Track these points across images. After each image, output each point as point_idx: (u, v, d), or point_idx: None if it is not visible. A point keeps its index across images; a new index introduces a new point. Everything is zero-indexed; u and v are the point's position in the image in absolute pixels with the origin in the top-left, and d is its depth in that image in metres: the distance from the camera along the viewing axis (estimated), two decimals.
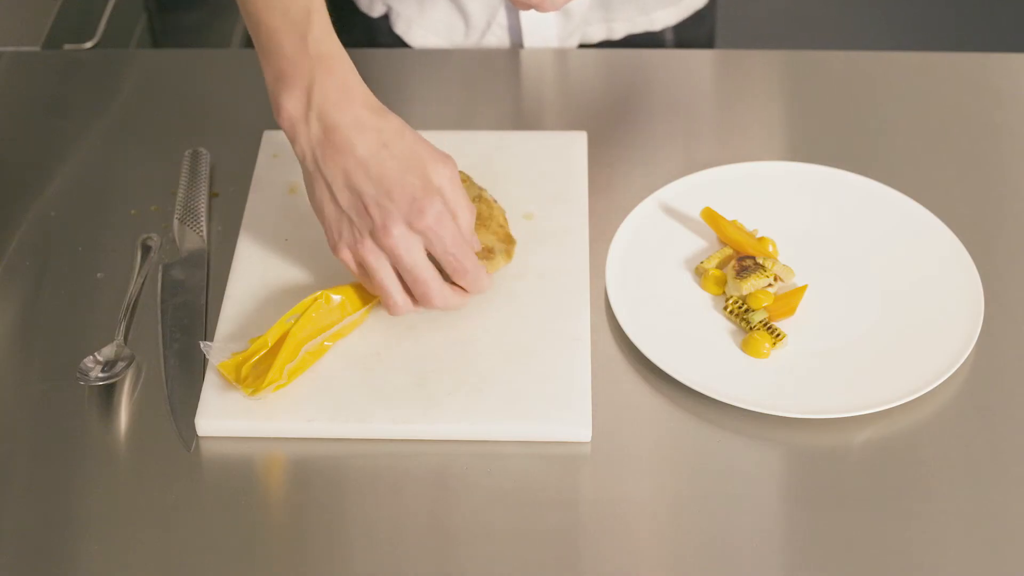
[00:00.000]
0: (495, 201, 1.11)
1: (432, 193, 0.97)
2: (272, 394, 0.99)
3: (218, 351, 1.00)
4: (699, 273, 1.10)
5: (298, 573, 0.91)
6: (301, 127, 0.98)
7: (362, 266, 0.99)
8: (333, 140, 0.97)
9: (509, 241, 1.08)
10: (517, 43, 1.36)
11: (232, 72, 1.35)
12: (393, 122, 0.98)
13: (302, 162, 0.99)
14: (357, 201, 0.97)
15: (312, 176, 0.99)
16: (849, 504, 0.95)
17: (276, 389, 0.99)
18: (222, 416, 0.98)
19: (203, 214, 1.14)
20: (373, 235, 0.97)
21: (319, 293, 1.02)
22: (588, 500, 0.96)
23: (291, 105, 0.98)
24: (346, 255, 0.99)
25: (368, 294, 1.03)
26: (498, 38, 1.36)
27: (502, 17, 1.34)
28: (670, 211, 1.15)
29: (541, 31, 1.35)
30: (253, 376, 0.99)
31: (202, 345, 1.00)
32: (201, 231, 1.12)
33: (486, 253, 1.06)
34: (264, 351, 1.00)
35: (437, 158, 0.98)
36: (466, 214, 0.99)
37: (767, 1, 2.91)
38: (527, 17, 1.34)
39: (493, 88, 1.31)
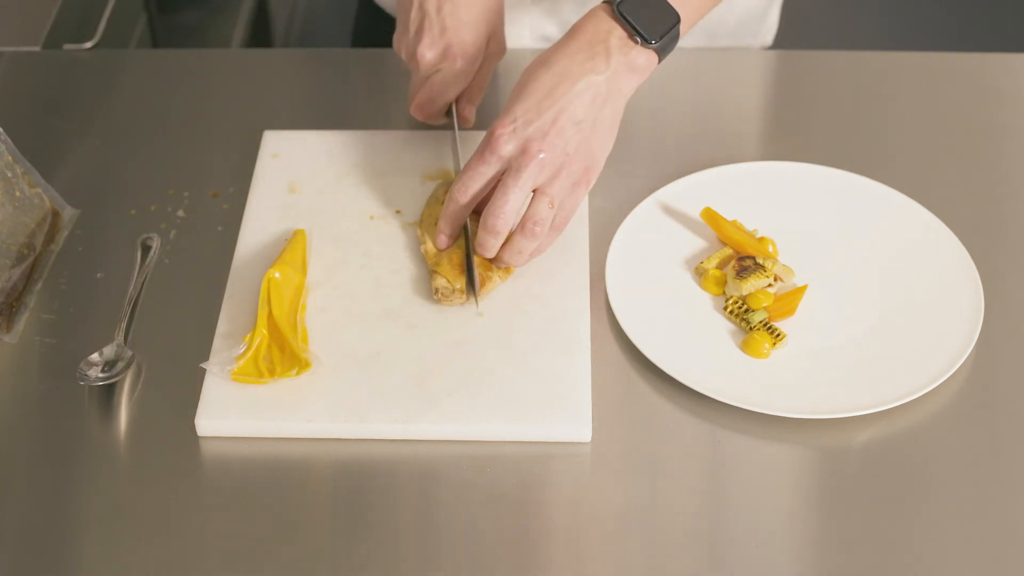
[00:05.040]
0: None
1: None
2: (278, 390, 0.99)
3: (222, 364, 1.00)
4: (699, 273, 1.09)
5: (298, 573, 0.91)
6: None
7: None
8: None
9: None
10: None
11: (232, 72, 1.35)
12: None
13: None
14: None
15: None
16: (849, 504, 0.95)
17: (299, 373, 1.00)
18: (222, 416, 0.98)
19: None
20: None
21: (265, 276, 1.03)
22: (588, 500, 0.95)
23: None
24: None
25: (296, 254, 1.07)
26: None
27: None
28: (670, 211, 1.15)
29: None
30: (280, 364, 1.00)
31: (206, 366, 1.00)
32: None
33: (483, 269, 1.06)
34: (265, 340, 1.01)
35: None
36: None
37: None
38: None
39: (493, 88, 1.31)
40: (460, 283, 1.05)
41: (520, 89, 1.03)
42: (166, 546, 0.92)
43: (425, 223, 1.11)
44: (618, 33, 1.02)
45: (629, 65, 1.03)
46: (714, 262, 1.09)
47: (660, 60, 1.04)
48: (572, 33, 1.04)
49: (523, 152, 1.01)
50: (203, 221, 1.15)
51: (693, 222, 1.14)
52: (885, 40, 2.90)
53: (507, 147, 1.02)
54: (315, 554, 0.92)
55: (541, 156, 1.01)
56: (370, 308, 1.06)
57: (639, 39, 1.02)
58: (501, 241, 1.04)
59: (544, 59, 1.03)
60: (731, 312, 1.06)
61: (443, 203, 1.10)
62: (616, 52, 1.02)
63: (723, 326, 1.06)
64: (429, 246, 1.08)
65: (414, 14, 1.13)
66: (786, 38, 1.54)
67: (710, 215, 1.11)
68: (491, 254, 1.05)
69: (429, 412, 0.98)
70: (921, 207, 1.14)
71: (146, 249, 1.13)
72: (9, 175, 1.10)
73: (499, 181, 1.03)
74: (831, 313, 1.06)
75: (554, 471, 0.97)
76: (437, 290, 1.05)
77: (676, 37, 1.04)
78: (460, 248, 1.08)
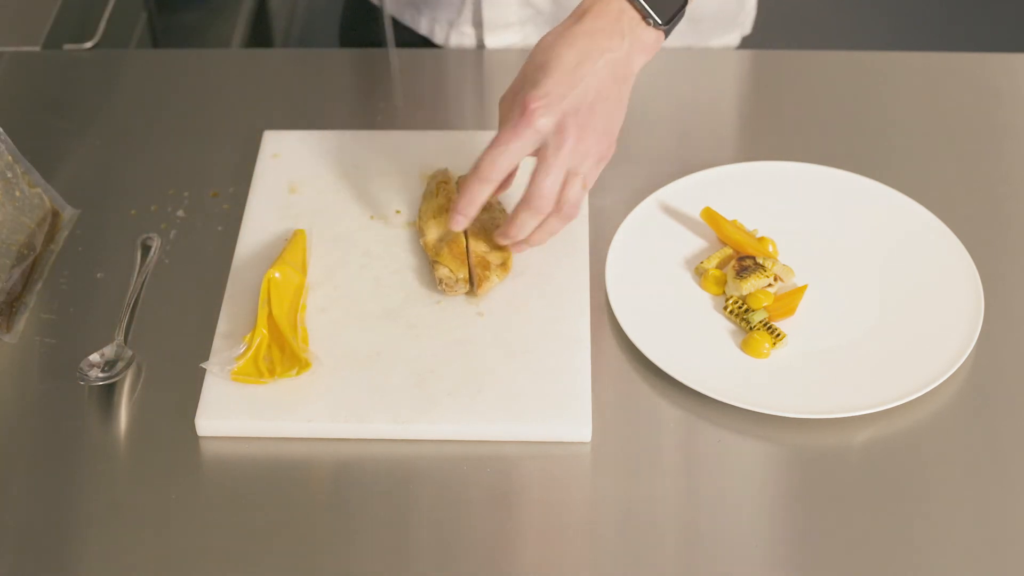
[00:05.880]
0: (499, 202, 1.11)
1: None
2: (278, 390, 1.00)
3: (222, 364, 1.00)
4: (699, 273, 1.10)
5: (298, 573, 0.91)
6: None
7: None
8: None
9: (507, 249, 1.08)
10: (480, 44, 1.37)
11: (232, 72, 1.35)
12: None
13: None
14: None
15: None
16: (849, 504, 0.95)
17: (299, 373, 1.00)
18: (222, 416, 0.98)
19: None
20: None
21: (265, 276, 1.03)
22: (588, 500, 0.96)
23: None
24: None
25: (296, 254, 1.07)
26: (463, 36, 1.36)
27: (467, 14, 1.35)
28: (670, 211, 1.15)
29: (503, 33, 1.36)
30: (280, 364, 1.01)
31: (206, 366, 1.00)
32: None
33: (481, 269, 1.06)
34: (265, 340, 1.01)
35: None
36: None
37: (768, 1, 2.91)
38: (489, 16, 1.34)
39: (493, 88, 1.31)
40: (463, 272, 1.05)
41: (542, 65, 1.01)
42: (166, 546, 0.92)
43: (423, 217, 1.11)
44: (630, 13, 1.02)
45: (640, 44, 1.02)
46: (714, 262, 1.09)
47: (665, 38, 1.04)
48: (582, 13, 1.02)
49: (560, 129, 0.99)
50: (203, 221, 1.15)
51: (693, 222, 1.14)
52: (885, 40, 2.90)
53: (543, 120, 0.99)
54: (315, 554, 0.92)
55: (577, 133, 0.99)
56: (370, 308, 1.06)
57: (651, 20, 1.02)
58: (539, 222, 1.03)
59: (560, 36, 1.01)
60: (731, 312, 1.06)
61: (436, 196, 1.10)
62: (628, 32, 1.02)
63: (723, 326, 1.06)
64: (428, 238, 1.08)
65: None
66: (785, 38, 1.54)
67: (710, 215, 1.11)
68: (524, 235, 1.03)
69: (429, 412, 0.98)
70: (921, 207, 1.14)
71: (146, 249, 1.13)
72: (9, 175, 1.10)
73: (538, 158, 1.01)
74: (831, 313, 1.06)
75: (554, 471, 0.97)
76: (441, 280, 1.05)
77: (683, 15, 1.04)
78: (461, 237, 1.07)
